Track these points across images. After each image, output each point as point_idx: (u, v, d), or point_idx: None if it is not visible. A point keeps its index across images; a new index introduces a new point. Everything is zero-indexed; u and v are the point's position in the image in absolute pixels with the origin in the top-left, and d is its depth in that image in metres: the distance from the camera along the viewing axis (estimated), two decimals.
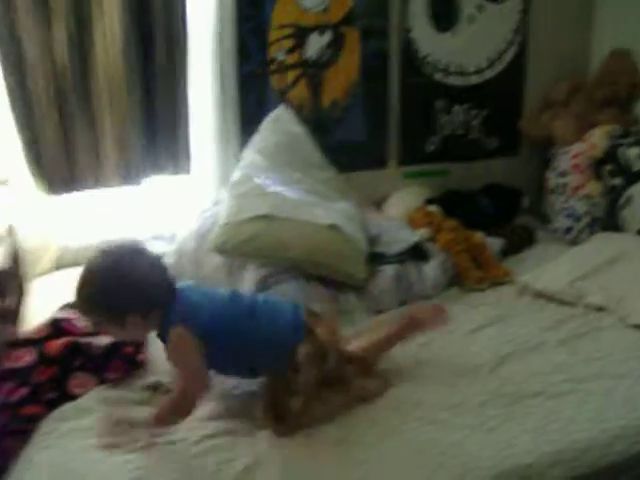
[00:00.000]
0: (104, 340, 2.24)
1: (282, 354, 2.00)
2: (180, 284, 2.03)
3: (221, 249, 2.68)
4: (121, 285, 1.87)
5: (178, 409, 1.89)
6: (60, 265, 3.01)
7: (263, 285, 2.57)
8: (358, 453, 1.85)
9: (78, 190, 2.94)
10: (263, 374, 2.06)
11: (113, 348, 2.21)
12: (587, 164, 3.32)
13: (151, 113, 2.95)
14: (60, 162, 2.86)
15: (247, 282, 2.60)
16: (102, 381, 2.15)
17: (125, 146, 2.90)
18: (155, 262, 1.98)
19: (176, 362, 1.94)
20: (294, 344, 2.00)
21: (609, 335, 2.48)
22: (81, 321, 2.38)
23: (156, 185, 3.10)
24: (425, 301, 2.73)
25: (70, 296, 2.51)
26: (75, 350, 2.17)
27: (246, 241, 2.63)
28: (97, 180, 2.93)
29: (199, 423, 1.96)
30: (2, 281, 2.47)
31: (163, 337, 1.95)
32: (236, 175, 2.95)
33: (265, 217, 2.69)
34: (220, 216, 2.75)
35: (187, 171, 3.09)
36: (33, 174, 2.84)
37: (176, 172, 3.07)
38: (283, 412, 1.96)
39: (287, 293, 2.49)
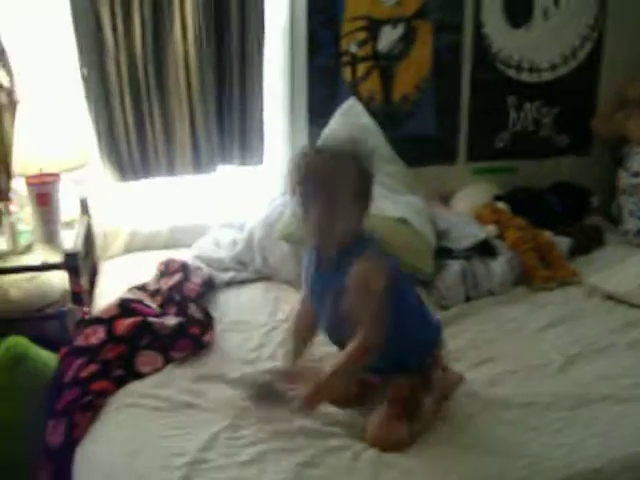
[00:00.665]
0: (172, 320, 2.29)
1: (428, 348, 1.96)
2: None
3: (289, 238, 2.70)
4: (367, 171, 1.83)
5: (353, 361, 1.80)
6: (130, 249, 3.08)
7: None
8: (432, 450, 1.83)
9: (150, 177, 3.00)
10: (406, 368, 1.93)
11: (180, 328, 2.26)
12: None
13: (224, 104, 2.99)
14: (133, 150, 2.92)
15: None
16: (168, 360, 2.19)
17: (197, 135, 2.94)
18: None
19: (361, 299, 1.78)
20: (436, 340, 1.98)
21: None
22: (149, 301, 2.45)
23: (228, 174, 3.15)
24: (491, 298, 2.71)
25: (140, 279, 2.61)
26: (143, 329, 2.22)
27: None
28: (169, 168, 2.99)
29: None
30: (76, 262, 2.53)
31: (340, 263, 1.82)
32: None
33: None
34: (289, 205, 2.77)
35: (258, 162, 3.12)
36: (107, 161, 2.91)
37: (247, 163, 3.11)
38: (418, 412, 1.88)
39: None
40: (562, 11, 3.47)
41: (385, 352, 1.82)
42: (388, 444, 1.80)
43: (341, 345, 1.92)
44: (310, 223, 1.82)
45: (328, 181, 1.78)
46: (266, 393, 1.88)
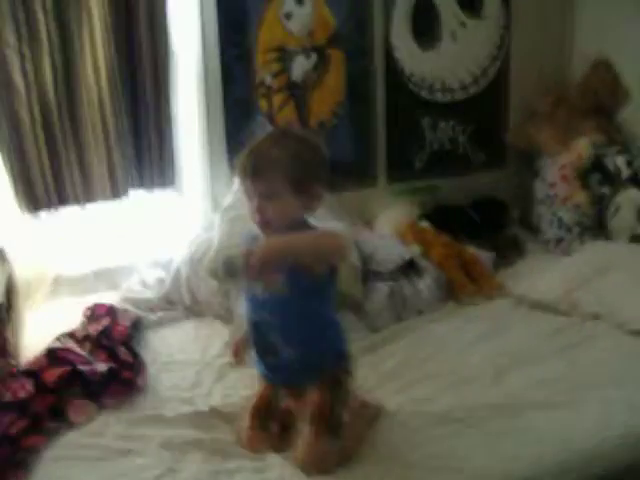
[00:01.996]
0: (102, 366, 2.24)
1: (343, 354, 1.96)
2: None
3: (214, 274, 2.68)
4: (318, 157, 1.90)
5: (322, 241, 1.82)
6: (55, 295, 3.00)
7: None
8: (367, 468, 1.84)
9: (64, 205, 2.92)
10: (322, 369, 1.92)
11: (111, 373, 2.22)
12: (574, 174, 3.35)
13: (138, 134, 2.97)
14: (46, 178, 2.84)
15: (243, 305, 2.60)
16: (102, 407, 2.14)
17: (111, 161, 2.90)
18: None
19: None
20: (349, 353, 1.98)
21: (606, 343, 2.49)
22: (77, 348, 2.39)
23: (150, 210, 3.11)
24: (420, 317, 2.74)
25: (66, 326, 2.54)
26: (73, 378, 2.16)
27: None
28: (83, 194, 2.92)
29: None
30: None
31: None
32: (228, 199, 2.97)
33: None
34: (213, 241, 2.76)
35: (173, 183, 3.09)
36: (18, 191, 2.82)
37: (161, 185, 3.07)
38: (339, 426, 1.87)
39: None
40: (469, 32, 3.57)
41: (308, 341, 1.87)
42: (320, 464, 1.81)
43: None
44: (251, 211, 1.85)
45: (266, 167, 1.81)
46: (231, 270, 1.81)
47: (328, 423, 1.85)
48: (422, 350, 2.47)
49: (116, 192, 2.96)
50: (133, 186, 3.01)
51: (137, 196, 3.06)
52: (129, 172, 2.96)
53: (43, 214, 2.89)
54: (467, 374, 2.30)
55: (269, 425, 1.97)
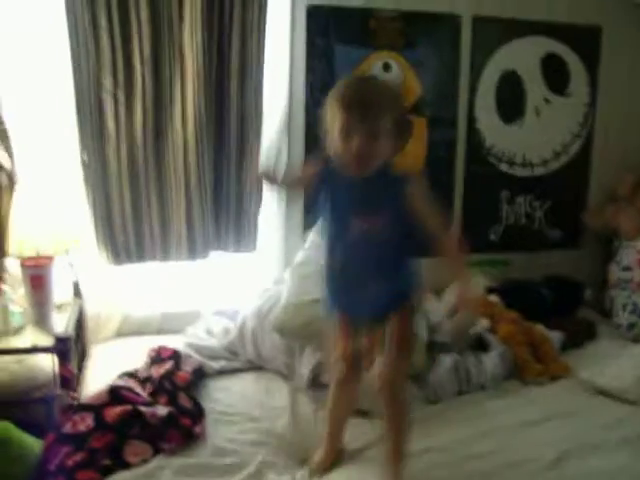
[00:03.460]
0: (162, 410, 2.27)
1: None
2: None
3: (281, 331, 2.70)
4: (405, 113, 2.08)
5: (457, 252, 1.98)
6: (122, 333, 3.07)
7: (320, 369, 2.57)
8: None
9: (144, 262, 3.01)
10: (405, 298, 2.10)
11: (171, 418, 2.24)
12: None
13: (220, 192, 3.03)
14: (129, 234, 2.94)
15: (304, 365, 2.61)
16: (157, 450, 2.16)
17: (193, 221, 2.97)
18: None
19: (426, 203, 1.96)
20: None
21: None
22: (139, 388, 2.42)
23: (221, 261, 3.16)
24: (483, 392, 2.69)
25: (131, 364, 2.59)
26: (133, 418, 2.20)
27: (305, 325, 2.64)
28: (163, 253, 3.00)
29: None
30: (66, 346, 2.52)
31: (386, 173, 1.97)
32: (300, 256, 3.00)
33: None
34: (282, 296, 2.79)
35: (251, 249, 3.14)
36: (102, 245, 2.92)
37: (240, 250, 3.12)
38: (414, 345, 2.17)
39: None
40: (553, 108, 3.57)
41: (398, 275, 2.06)
42: (398, 382, 2.05)
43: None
44: (352, 149, 1.88)
45: (377, 104, 1.88)
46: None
47: (408, 344, 2.10)
48: (480, 427, 2.42)
49: (194, 253, 3.03)
50: (212, 249, 3.08)
51: (215, 256, 3.13)
52: (207, 234, 3.02)
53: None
54: (525, 455, 2.25)
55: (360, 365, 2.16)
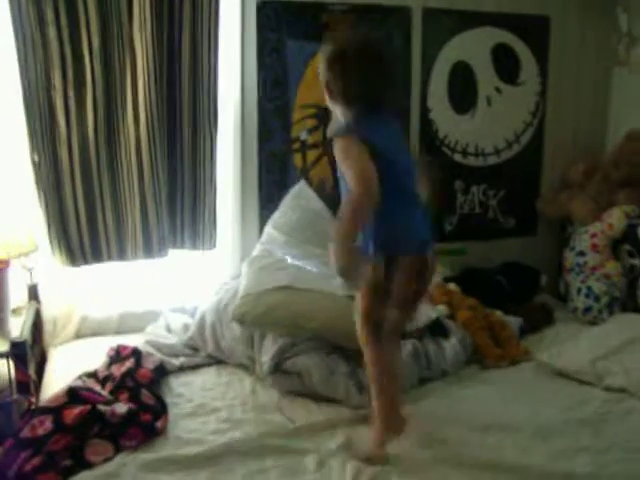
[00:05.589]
0: (122, 408, 2.24)
1: (412, 245, 2.13)
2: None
3: (241, 320, 2.68)
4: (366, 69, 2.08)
5: (351, 215, 1.95)
6: (80, 335, 3.03)
7: (282, 356, 2.56)
8: None
9: (100, 262, 2.97)
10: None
11: (131, 415, 2.21)
12: (605, 244, 3.34)
13: (176, 189, 3.02)
14: (83, 235, 2.90)
15: (266, 353, 2.60)
16: (119, 448, 2.14)
17: (149, 221, 2.94)
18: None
19: (341, 163, 2.03)
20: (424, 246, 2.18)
21: (632, 417, 2.44)
22: (99, 388, 2.40)
23: (179, 258, 3.14)
24: (443, 378, 2.71)
25: (90, 365, 2.56)
26: (92, 418, 2.16)
27: (266, 312, 2.64)
28: (120, 253, 2.97)
29: None
30: (23, 351, 2.48)
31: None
32: (256, 250, 3.00)
33: (285, 288, 2.72)
34: (240, 288, 2.78)
35: (211, 247, 3.12)
36: (56, 246, 2.87)
37: (198, 247, 3.10)
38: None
39: (305, 365, 2.51)
40: (504, 98, 3.62)
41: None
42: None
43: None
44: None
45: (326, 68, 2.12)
46: None
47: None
48: (440, 412, 2.44)
49: (151, 252, 2.99)
50: (169, 247, 3.05)
51: (172, 254, 3.10)
52: (165, 233, 2.99)
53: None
54: (483, 441, 2.26)
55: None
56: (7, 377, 2.60)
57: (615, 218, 3.33)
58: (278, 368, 2.55)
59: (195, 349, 2.85)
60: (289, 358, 2.56)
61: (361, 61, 2.06)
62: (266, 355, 2.59)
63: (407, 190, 2.12)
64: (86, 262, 2.94)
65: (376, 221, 2.05)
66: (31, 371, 2.59)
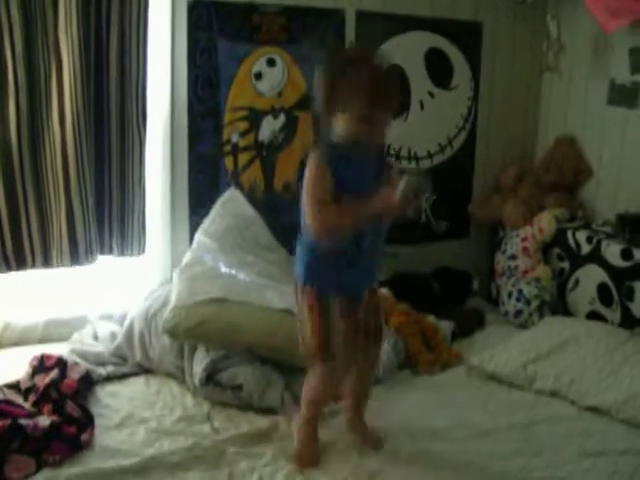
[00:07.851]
0: (45, 421, 2.16)
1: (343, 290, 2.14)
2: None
3: (172, 333, 2.62)
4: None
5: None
6: (2, 344, 2.92)
7: (214, 368, 2.52)
8: None
9: (24, 269, 2.86)
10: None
11: (53, 429, 2.14)
12: (536, 248, 3.39)
13: (103, 194, 2.93)
14: (6, 241, 2.78)
15: (198, 364, 2.55)
16: (41, 464, 2.06)
17: (74, 226, 2.84)
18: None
19: (305, 181, 2.07)
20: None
21: (562, 421, 2.49)
22: (20, 400, 2.31)
23: (107, 264, 3.06)
24: (376, 385, 2.70)
25: (12, 376, 2.46)
26: (13, 432, 2.08)
27: (198, 325, 2.58)
28: (44, 260, 2.86)
29: None
30: None
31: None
32: (187, 257, 2.94)
33: (217, 300, 2.67)
34: (170, 298, 2.72)
35: (139, 252, 3.04)
36: None
37: (126, 253, 3.02)
38: None
39: (239, 377, 2.47)
40: (437, 102, 3.63)
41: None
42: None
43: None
44: (377, 127, 2.04)
45: (397, 89, 2.16)
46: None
47: None
48: (372, 419, 2.42)
49: (77, 258, 2.89)
50: (96, 253, 2.95)
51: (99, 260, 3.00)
52: (92, 239, 2.90)
53: None
54: (414, 446, 2.28)
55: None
56: None
57: (545, 222, 3.37)
58: (210, 380, 2.50)
59: (123, 358, 2.78)
60: (223, 370, 2.52)
61: (361, 77, 1.98)
62: (198, 366, 2.54)
63: (359, 240, 2.11)
64: (9, 269, 2.82)
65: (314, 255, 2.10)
66: None
